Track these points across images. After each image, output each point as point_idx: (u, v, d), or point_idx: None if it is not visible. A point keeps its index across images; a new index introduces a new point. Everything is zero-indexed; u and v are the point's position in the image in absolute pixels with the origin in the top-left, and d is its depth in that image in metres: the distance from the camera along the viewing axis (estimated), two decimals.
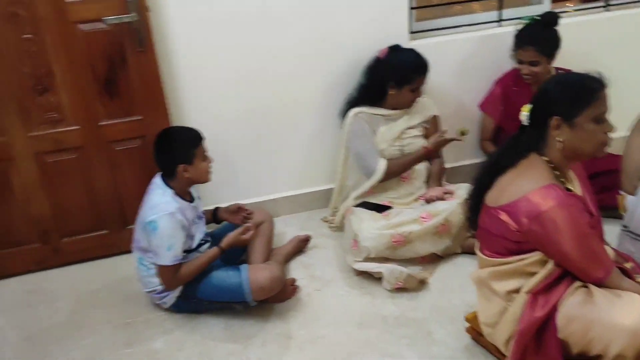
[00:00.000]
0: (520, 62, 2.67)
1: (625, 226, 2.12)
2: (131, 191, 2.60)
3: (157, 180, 2.20)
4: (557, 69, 2.72)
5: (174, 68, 2.55)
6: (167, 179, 2.18)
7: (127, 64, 2.41)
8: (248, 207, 2.53)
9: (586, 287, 1.62)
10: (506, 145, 1.74)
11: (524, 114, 1.69)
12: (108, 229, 2.69)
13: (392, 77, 2.54)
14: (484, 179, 1.72)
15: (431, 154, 2.63)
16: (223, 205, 2.52)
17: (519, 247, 1.62)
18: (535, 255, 1.61)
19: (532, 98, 1.69)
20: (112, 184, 2.61)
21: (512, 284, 1.67)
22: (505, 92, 2.79)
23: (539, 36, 2.61)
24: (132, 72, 2.43)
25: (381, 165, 2.56)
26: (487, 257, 1.72)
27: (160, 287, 2.21)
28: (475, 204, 1.76)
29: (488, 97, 2.87)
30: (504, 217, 1.61)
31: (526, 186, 1.58)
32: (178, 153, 2.15)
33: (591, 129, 1.59)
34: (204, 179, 2.23)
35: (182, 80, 2.58)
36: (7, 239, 2.57)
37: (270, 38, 2.61)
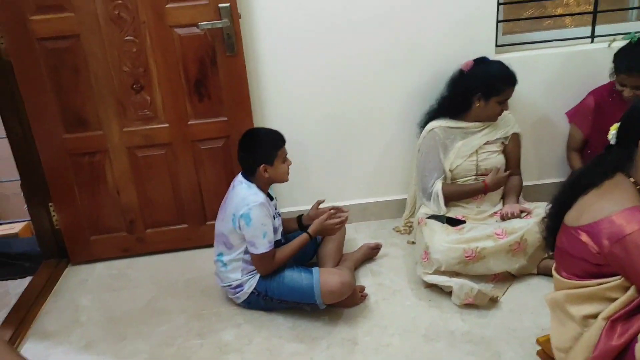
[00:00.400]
0: (622, 85, 2.52)
1: None
2: (212, 189, 2.73)
3: (240, 177, 2.30)
4: None
5: (260, 73, 2.65)
6: (249, 177, 2.28)
7: (217, 67, 2.53)
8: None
9: None
10: (590, 164, 1.68)
11: (612, 132, 1.62)
12: (189, 223, 2.82)
13: (479, 88, 2.50)
14: (564, 197, 1.67)
15: (490, 191, 2.56)
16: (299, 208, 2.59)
17: (599, 270, 1.56)
18: (617, 280, 1.54)
19: (622, 116, 1.62)
20: (195, 180, 2.74)
21: (589, 308, 1.60)
22: (599, 104, 2.67)
23: None
24: (222, 75, 2.55)
25: (436, 188, 2.56)
26: (564, 279, 1.66)
27: (235, 282, 2.30)
28: (553, 224, 1.71)
29: (578, 108, 2.77)
30: (584, 237, 1.55)
31: (610, 207, 1.52)
32: (260, 153, 2.24)
33: None
34: (282, 179, 2.31)
35: (266, 85, 2.68)
36: (98, 225, 2.77)
37: (353, 48, 2.65)
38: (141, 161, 2.67)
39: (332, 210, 2.38)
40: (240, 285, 2.30)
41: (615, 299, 1.55)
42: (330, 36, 2.63)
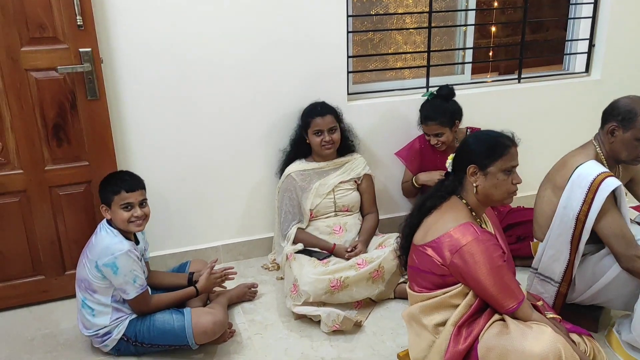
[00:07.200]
0: (427, 134, 2.90)
1: (534, 268, 2.37)
2: (72, 236, 2.62)
3: (105, 223, 2.26)
4: (469, 128, 2.97)
5: (123, 117, 2.65)
6: (112, 222, 2.24)
7: (77, 111, 2.48)
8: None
9: (503, 320, 1.80)
10: (432, 190, 1.96)
11: (449, 161, 1.92)
12: (45, 275, 2.66)
13: (302, 125, 2.80)
14: (414, 219, 1.92)
15: (335, 254, 2.71)
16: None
17: (443, 281, 1.80)
18: (458, 287, 1.79)
19: (457, 148, 1.93)
20: (53, 228, 2.61)
21: (438, 317, 1.83)
22: (422, 148, 3.00)
23: (439, 111, 2.82)
24: (83, 120, 2.50)
25: (291, 233, 2.77)
26: (416, 293, 1.88)
27: (102, 330, 2.21)
28: (406, 242, 1.95)
29: (406, 148, 3.06)
30: (430, 252, 1.80)
31: (448, 224, 1.79)
32: (101, 193, 2.25)
33: (501, 178, 1.83)
34: (123, 227, 2.22)
35: (130, 129, 2.68)
36: None
37: (218, 94, 2.77)
38: None
39: (213, 264, 2.44)
40: (108, 333, 2.21)
41: (458, 305, 1.80)
42: (194, 83, 2.72)
